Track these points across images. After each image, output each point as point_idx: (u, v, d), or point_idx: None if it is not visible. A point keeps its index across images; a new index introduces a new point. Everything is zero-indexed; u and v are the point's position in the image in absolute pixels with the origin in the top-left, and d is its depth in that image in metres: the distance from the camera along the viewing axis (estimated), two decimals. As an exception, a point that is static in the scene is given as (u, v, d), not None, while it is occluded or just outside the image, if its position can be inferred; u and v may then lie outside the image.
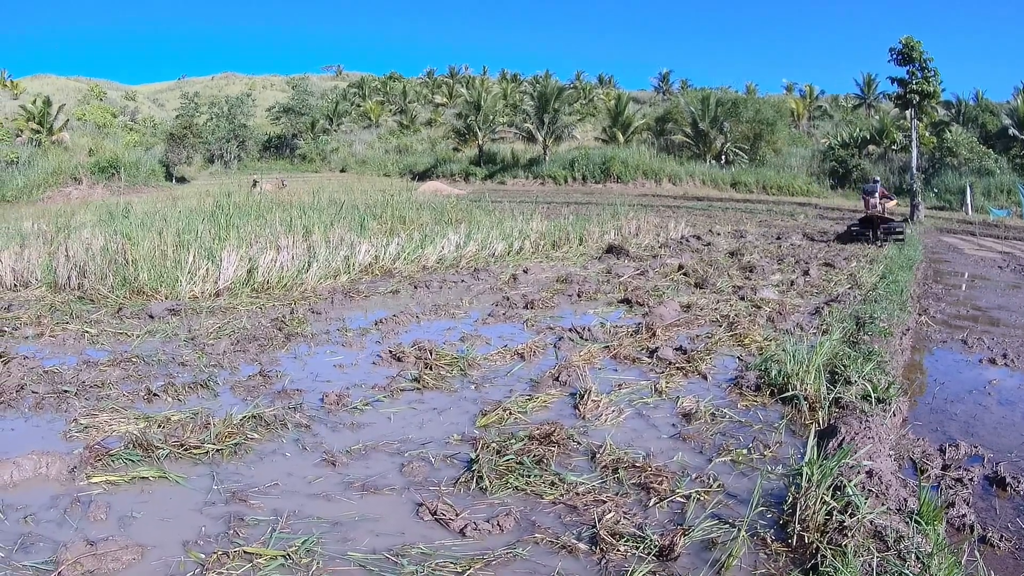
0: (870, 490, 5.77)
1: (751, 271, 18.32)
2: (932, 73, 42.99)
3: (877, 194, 30.06)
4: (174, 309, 12.64)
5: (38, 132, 73.34)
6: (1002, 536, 5.73)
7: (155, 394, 8.30)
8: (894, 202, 32.71)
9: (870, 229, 28.69)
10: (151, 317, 12.22)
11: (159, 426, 7.21)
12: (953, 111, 73.07)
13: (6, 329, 11.57)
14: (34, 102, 77.57)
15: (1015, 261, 24.73)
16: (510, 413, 7.83)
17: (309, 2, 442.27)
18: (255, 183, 54.26)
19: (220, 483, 6.13)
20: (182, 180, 71.02)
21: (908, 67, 43.01)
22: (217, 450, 6.72)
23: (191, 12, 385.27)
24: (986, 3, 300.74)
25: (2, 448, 6.76)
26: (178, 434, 6.96)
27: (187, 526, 5.45)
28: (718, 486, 6.18)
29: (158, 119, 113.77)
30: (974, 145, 58.85)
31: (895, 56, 43.15)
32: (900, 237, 28.07)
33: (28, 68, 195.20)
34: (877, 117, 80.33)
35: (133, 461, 6.45)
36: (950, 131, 60.54)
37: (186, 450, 6.67)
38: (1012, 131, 63.49)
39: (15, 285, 15.02)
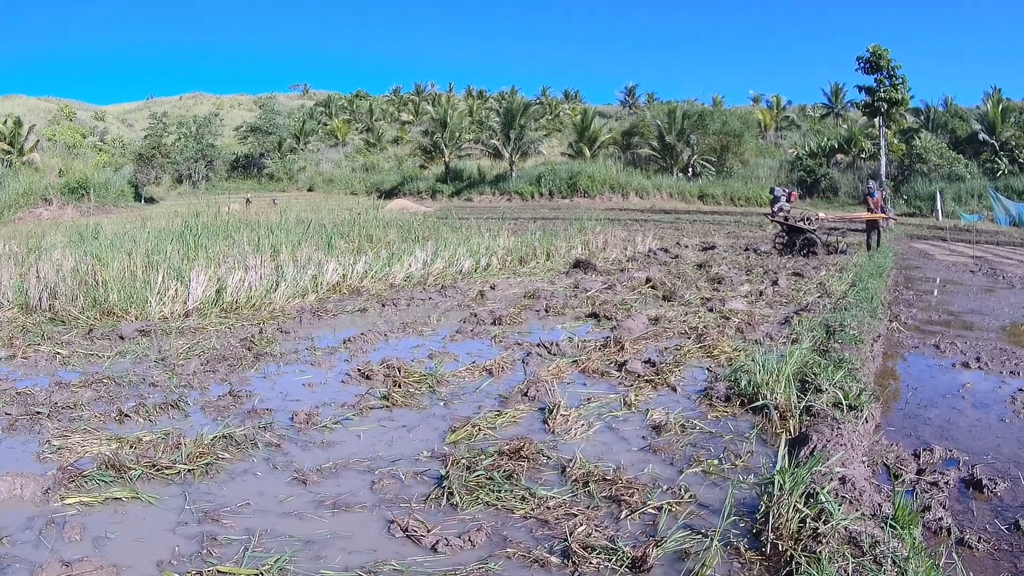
0: (844, 496, 5.77)
1: (719, 283, 18.38)
2: (900, 80, 43.43)
3: (784, 198, 29.82)
4: (144, 330, 12.58)
5: (9, 153, 73.26)
6: (980, 538, 5.75)
7: (127, 415, 8.25)
8: (821, 214, 31.92)
9: (791, 237, 28.41)
10: (121, 338, 12.15)
11: (131, 447, 7.17)
12: (922, 117, 73.68)
13: (-22, 351, 11.50)
14: (4, 123, 77.36)
15: (987, 265, 24.95)
16: (479, 429, 7.81)
17: (276, 22, 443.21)
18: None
19: (192, 503, 6.09)
20: (151, 200, 70.95)
21: (876, 75, 43.46)
22: (189, 470, 6.68)
23: (159, 32, 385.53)
24: (954, 9, 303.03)
25: (-25, 471, 6.68)
26: (150, 455, 6.92)
27: (161, 546, 5.42)
28: (690, 497, 6.18)
29: (127, 139, 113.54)
30: (944, 151, 59.28)
31: (863, 64, 43.57)
32: (812, 250, 27.49)
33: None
34: (845, 126, 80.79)
35: (106, 482, 6.41)
36: (919, 138, 60.96)
37: (158, 470, 6.63)
38: (982, 136, 64.00)
39: (-13, 307, 14.95)
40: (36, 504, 6.08)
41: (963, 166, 58.45)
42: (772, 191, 31.71)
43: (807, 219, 28.95)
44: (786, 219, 28.82)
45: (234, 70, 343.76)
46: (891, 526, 5.34)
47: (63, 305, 14.11)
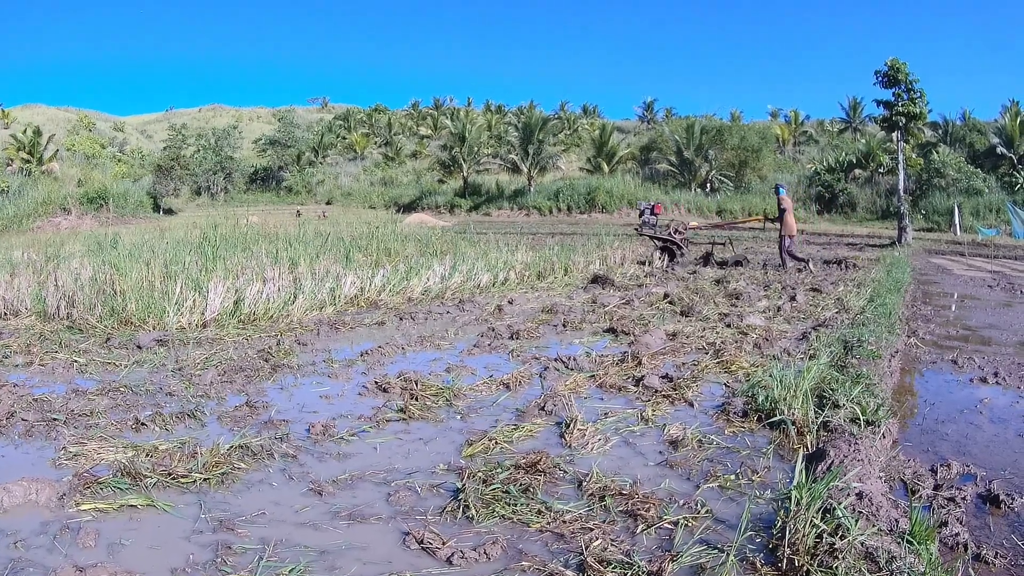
0: (860, 512, 5.75)
1: (737, 298, 18.35)
2: (918, 94, 43.23)
3: (648, 211, 30.18)
4: (162, 339, 12.62)
5: (28, 162, 74.01)
6: (996, 553, 5.70)
7: (143, 423, 8.27)
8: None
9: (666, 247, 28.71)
10: (139, 347, 12.19)
11: (147, 455, 7.18)
12: (940, 131, 73.98)
13: (-3, 357, 11.54)
14: (24, 132, 78.29)
15: (1005, 279, 24.88)
16: (496, 443, 7.78)
17: (295, 35, 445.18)
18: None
19: (208, 512, 6.10)
20: (169, 212, 71.54)
21: (894, 89, 43.23)
22: (204, 479, 6.68)
23: (179, 44, 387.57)
24: (971, 22, 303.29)
25: (-8, 475, 6.71)
26: (166, 463, 6.93)
27: (175, 554, 5.42)
28: (706, 512, 6.14)
29: (146, 150, 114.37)
30: (962, 165, 59.48)
31: (881, 78, 43.37)
32: (673, 260, 28.09)
33: (19, 98, 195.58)
34: (863, 140, 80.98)
35: (122, 489, 6.42)
36: (937, 152, 61.17)
37: (174, 479, 6.63)
38: (1000, 149, 64.37)
39: (5, 314, 15.06)
40: (51, 509, 6.09)
41: (981, 180, 58.54)
42: (639, 204, 32.11)
43: (676, 229, 29.21)
44: (654, 231, 29.10)
45: (253, 83, 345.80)
46: (908, 541, 5.32)
47: (81, 314, 14.17)
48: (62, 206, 59.03)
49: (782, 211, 26.97)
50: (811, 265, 26.82)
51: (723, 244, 31.65)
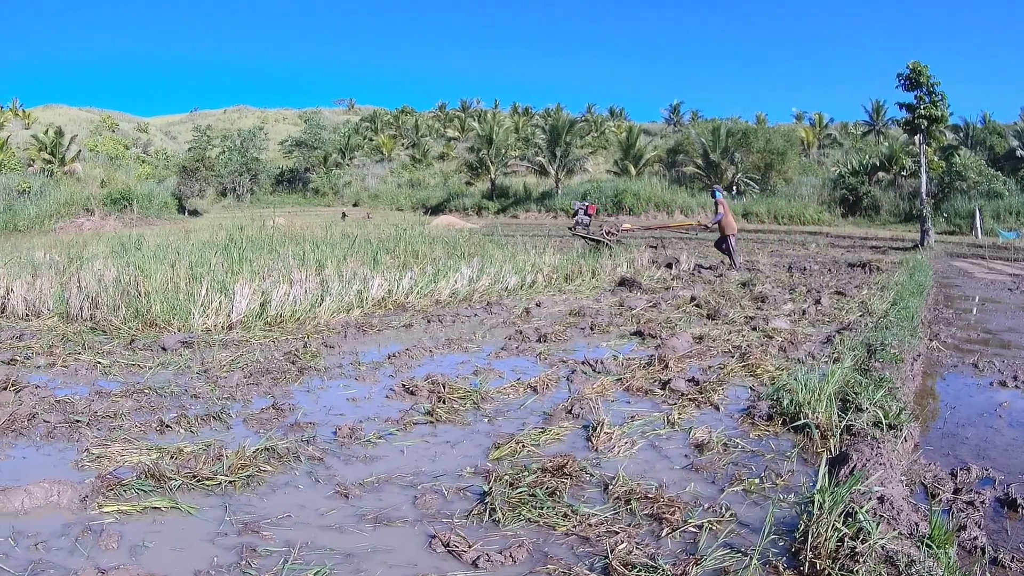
0: (881, 516, 5.75)
1: (763, 301, 18.31)
2: (940, 97, 42.95)
3: (582, 211, 30.82)
4: (187, 341, 12.64)
5: (50, 162, 74.05)
6: (1013, 557, 5.69)
7: (167, 425, 8.30)
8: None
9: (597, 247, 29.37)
10: (164, 349, 12.22)
11: (171, 457, 7.22)
12: (961, 134, 73.73)
13: (18, 358, 11.61)
14: (46, 132, 78.16)
15: (1024, 283, 24.68)
16: (523, 446, 7.80)
17: (321, 36, 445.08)
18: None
19: (232, 514, 6.12)
20: (195, 213, 71.44)
21: (916, 92, 42.95)
22: (230, 482, 6.72)
23: (204, 45, 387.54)
24: (992, 25, 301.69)
25: (14, 476, 6.79)
26: (190, 465, 6.97)
27: (199, 556, 5.45)
28: (730, 515, 6.16)
29: (170, 151, 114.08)
30: (983, 168, 59.12)
31: (903, 81, 43.11)
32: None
33: (41, 98, 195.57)
34: (886, 143, 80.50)
35: (145, 491, 6.44)
36: (958, 155, 60.75)
37: (198, 481, 6.66)
38: (1020, 152, 64.35)
39: (27, 315, 15.13)
40: (73, 511, 6.12)
41: (1001, 183, 58.19)
42: (574, 204, 32.69)
43: (608, 231, 30.33)
44: (587, 231, 30.01)
45: (279, 84, 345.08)
46: (927, 545, 5.34)
47: (104, 315, 14.22)
48: (85, 207, 59.15)
49: (717, 213, 27.34)
50: (737, 262, 27.65)
51: (655, 247, 31.89)
